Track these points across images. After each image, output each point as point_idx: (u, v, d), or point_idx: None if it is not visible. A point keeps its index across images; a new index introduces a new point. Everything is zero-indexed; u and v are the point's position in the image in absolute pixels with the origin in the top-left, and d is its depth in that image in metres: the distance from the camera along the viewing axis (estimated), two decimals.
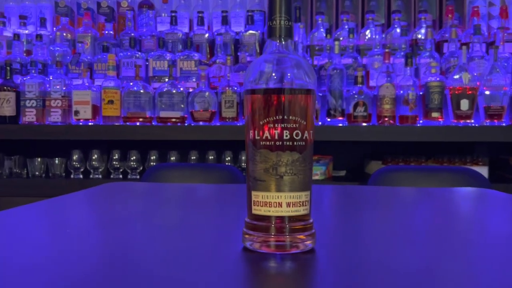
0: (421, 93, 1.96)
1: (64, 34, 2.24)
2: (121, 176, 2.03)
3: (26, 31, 2.29)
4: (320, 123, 1.96)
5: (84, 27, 2.25)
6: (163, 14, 2.30)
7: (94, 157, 2.00)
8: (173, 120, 1.99)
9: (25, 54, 2.23)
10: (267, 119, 0.51)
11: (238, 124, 1.97)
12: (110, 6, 2.33)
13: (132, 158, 2.00)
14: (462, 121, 1.88)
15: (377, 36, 2.09)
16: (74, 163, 1.99)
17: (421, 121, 1.95)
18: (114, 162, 2.01)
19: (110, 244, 0.58)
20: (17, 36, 2.16)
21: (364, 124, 1.93)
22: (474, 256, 0.54)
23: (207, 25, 2.29)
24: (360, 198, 1.03)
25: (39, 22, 2.28)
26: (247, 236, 0.53)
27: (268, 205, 0.51)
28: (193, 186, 1.20)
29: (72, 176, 2.01)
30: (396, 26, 2.13)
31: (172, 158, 2.01)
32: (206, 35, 2.21)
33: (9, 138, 2.00)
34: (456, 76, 1.90)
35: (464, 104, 1.88)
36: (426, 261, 0.51)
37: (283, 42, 0.54)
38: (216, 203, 0.97)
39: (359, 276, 0.47)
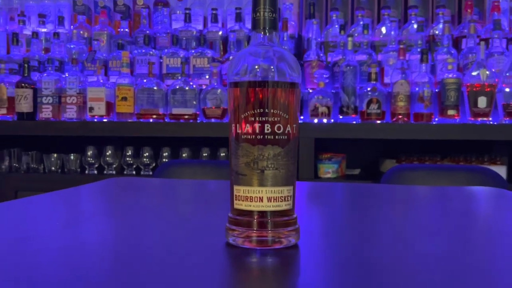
0: (437, 90, 1.92)
1: (81, 32, 2.28)
2: (134, 172, 2.05)
3: (45, 29, 2.34)
4: (332, 120, 1.94)
5: (101, 25, 2.28)
6: (178, 12, 2.31)
7: (108, 153, 2.03)
8: (186, 117, 2.00)
9: (43, 52, 2.27)
10: (248, 112, 0.50)
11: None
12: (126, 4, 2.36)
13: (145, 155, 2.02)
14: (479, 119, 1.83)
15: (392, 32, 2.05)
16: (89, 159, 2.03)
17: (436, 119, 1.90)
18: (128, 158, 2.03)
19: (90, 238, 0.58)
20: (35, 34, 2.21)
21: (378, 121, 1.90)
22: (475, 257, 0.52)
23: (221, 22, 2.29)
24: (365, 196, 1.01)
25: (57, 20, 2.32)
26: (230, 231, 0.52)
27: (249, 199, 0.51)
28: (200, 182, 1.20)
29: (86, 171, 2.05)
30: (413, 21, 2.08)
31: (184, 155, 2.02)
32: (220, 32, 2.21)
33: (27, 134, 2.04)
34: (474, 73, 1.85)
35: (482, 102, 1.83)
36: (419, 260, 0.50)
37: (268, 34, 0.53)
38: (218, 199, 0.96)
39: (341, 272, 0.46)
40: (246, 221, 0.51)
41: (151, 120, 2.01)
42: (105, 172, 2.05)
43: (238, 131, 0.51)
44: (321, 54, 2.08)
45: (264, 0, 0.52)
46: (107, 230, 0.63)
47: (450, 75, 1.86)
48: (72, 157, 2.04)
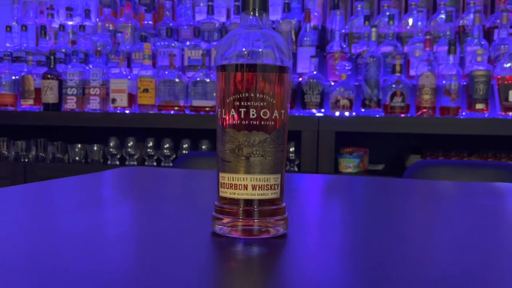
0: (465, 83, 1.84)
1: (106, 24, 2.31)
2: (155, 163, 2.07)
3: (72, 22, 2.38)
4: (354, 113, 1.89)
5: (125, 17, 2.30)
6: (201, 4, 2.31)
7: (129, 144, 2.06)
8: (206, 109, 2.00)
9: (70, 44, 2.32)
10: (234, 96, 0.48)
11: None
12: None
13: (165, 146, 2.03)
14: (510, 113, 1.74)
15: (419, 23, 1.98)
16: (111, 149, 2.05)
17: (463, 113, 1.82)
18: (149, 150, 2.05)
19: (79, 226, 0.58)
20: (62, 27, 2.25)
21: (402, 115, 1.84)
22: (492, 258, 0.49)
23: None
24: (378, 190, 0.98)
25: (84, 13, 2.36)
26: (216, 220, 0.51)
27: (234, 187, 0.49)
28: (212, 173, 1.19)
29: (109, 162, 2.08)
30: (442, 12, 2.00)
31: (203, 147, 2.02)
32: None
33: (52, 124, 2.09)
34: (506, 65, 1.76)
35: None
36: (422, 256, 0.47)
37: (257, 16, 0.50)
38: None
39: (329, 265, 0.43)
40: (232, 210, 0.49)
41: (172, 112, 2.02)
42: (126, 163, 2.07)
43: (223, 116, 0.49)
44: (345, 46, 2.04)
45: None
46: (95, 218, 0.63)
47: (479, 67, 1.78)
48: (95, 148, 2.07)
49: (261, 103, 0.48)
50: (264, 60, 0.49)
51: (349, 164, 1.87)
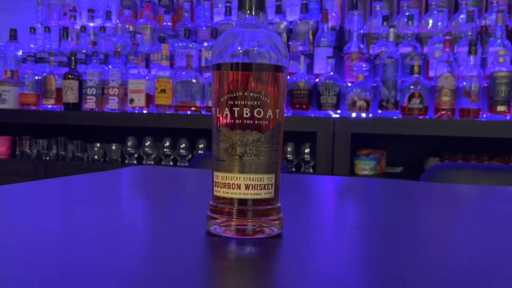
0: (486, 84, 1.79)
1: (126, 25, 2.34)
2: (171, 163, 2.09)
3: (93, 24, 2.43)
4: (371, 115, 1.87)
5: (145, 18, 2.33)
6: (219, 5, 2.32)
7: (147, 144, 2.08)
8: None
9: (91, 45, 2.37)
10: (228, 95, 0.48)
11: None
12: None
13: (181, 146, 2.04)
14: None
15: (440, 23, 1.94)
16: (129, 149, 2.08)
17: (484, 115, 1.78)
18: (165, 149, 2.07)
19: (76, 223, 0.59)
20: (84, 28, 2.30)
21: (420, 117, 1.80)
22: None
23: None
24: (387, 192, 0.96)
25: (105, 15, 2.41)
26: (210, 220, 0.51)
27: (227, 186, 0.49)
28: None
29: (126, 161, 2.10)
30: (463, 12, 1.96)
31: None
32: None
33: (72, 123, 2.14)
34: None
35: None
36: (425, 262, 0.46)
37: (254, 15, 0.50)
38: None
39: (322, 263, 0.43)
40: (226, 209, 0.49)
41: (188, 112, 2.03)
42: (144, 162, 2.10)
43: (217, 115, 0.49)
44: (362, 47, 2.01)
45: None
46: (96, 216, 0.63)
47: (502, 68, 1.73)
48: (113, 147, 2.10)
49: (255, 102, 0.48)
50: (260, 59, 0.48)
51: (365, 166, 1.85)
